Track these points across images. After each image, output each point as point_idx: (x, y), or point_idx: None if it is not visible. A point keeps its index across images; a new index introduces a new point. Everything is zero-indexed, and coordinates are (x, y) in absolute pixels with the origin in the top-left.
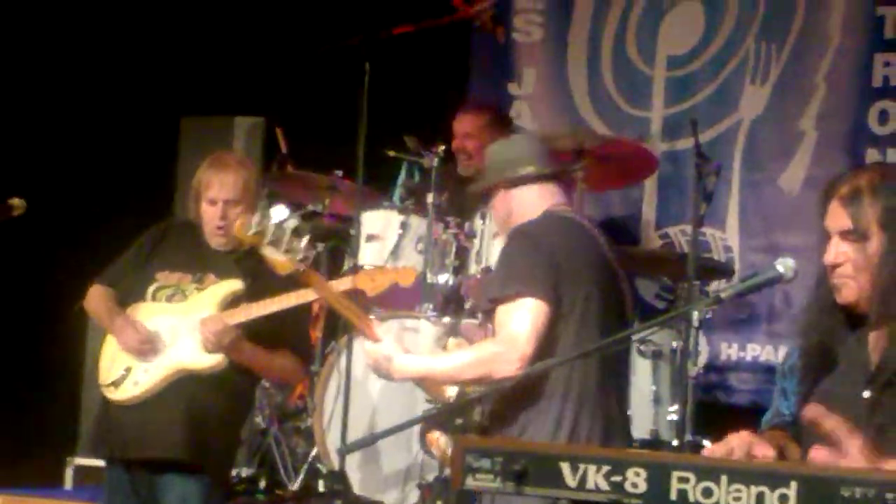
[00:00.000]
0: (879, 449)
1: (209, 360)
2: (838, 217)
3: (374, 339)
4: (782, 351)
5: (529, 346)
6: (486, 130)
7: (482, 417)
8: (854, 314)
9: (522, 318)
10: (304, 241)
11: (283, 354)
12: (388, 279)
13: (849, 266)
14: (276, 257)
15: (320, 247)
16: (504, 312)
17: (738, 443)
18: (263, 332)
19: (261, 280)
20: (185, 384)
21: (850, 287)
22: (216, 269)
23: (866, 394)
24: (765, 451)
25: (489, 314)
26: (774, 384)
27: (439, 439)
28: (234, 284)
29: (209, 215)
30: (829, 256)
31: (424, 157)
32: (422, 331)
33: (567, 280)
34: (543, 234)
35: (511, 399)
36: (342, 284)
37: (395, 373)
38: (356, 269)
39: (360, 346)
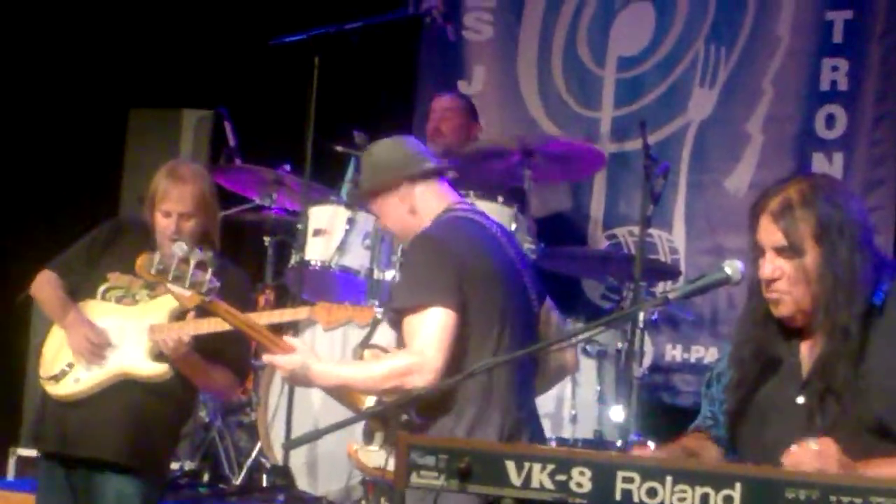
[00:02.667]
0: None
1: (154, 369)
2: (771, 233)
3: (290, 350)
4: None
5: (440, 357)
6: (462, 113)
7: (411, 416)
8: (788, 325)
9: (431, 329)
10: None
11: (221, 369)
12: (345, 316)
13: (784, 281)
14: (181, 292)
15: (267, 241)
16: (412, 323)
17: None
18: (205, 346)
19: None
20: (126, 388)
21: (787, 301)
22: None
23: (800, 400)
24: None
25: (396, 323)
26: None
27: (357, 451)
28: None
29: (162, 226)
30: (766, 272)
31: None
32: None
33: (473, 284)
34: (447, 239)
35: (431, 401)
36: (298, 314)
37: (316, 378)
38: (311, 302)
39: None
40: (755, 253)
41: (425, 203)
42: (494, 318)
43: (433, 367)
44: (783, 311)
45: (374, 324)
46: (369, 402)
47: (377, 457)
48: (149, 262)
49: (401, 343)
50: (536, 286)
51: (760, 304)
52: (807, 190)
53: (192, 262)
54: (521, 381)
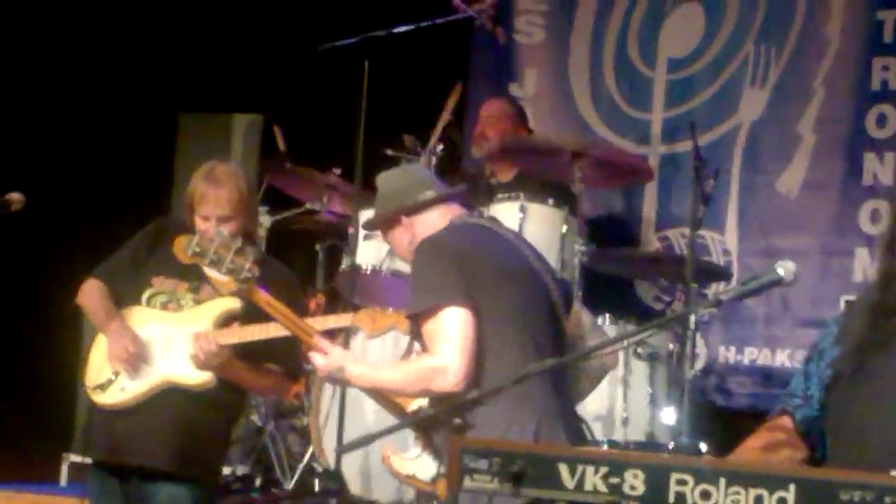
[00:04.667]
0: None
1: (198, 377)
2: None
3: (324, 352)
4: (780, 354)
5: (463, 357)
6: (509, 120)
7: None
8: None
9: (449, 330)
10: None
11: (270, 370)
12: (389, 323)
13: None
14: (218, 277)
15: (318, 245)
16: (429, 327)
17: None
18: (253, 347)
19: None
20: (172, 396)
21: None
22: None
23: None
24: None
25: (416, 333)
26: (773, 387)
27: (391, 457)
28: (232, 303)
29: (202, 230)
30: None
31: (422, 156)
32: None
33: (481, 282)
34: (449, 241)
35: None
36: (341, 321)
37: (352, 380)
38: (356, 307)
39: (356, 344)
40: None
41: (426, 231)
42: (510, 316)
43: (456, 368)
44: None
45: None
46: (414, 405)
47: (411, 465)
48: (186, 244)
49: (425, 350)
50: (563, 288)
51: (885, 283)
52: None
53: (233, 249)
54: (553, 383)
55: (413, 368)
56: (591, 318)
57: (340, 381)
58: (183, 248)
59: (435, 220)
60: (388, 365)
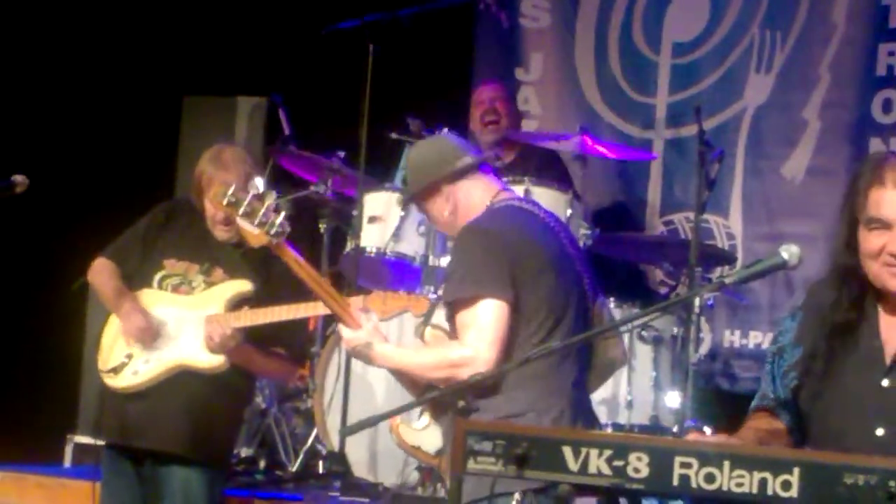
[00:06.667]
0: None
1: (211, 360)
2: None
3: (354, 325)
4: None
5: (494, 350)
6: (509, 100)
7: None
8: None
9: (484, 322)
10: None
11: (277, 354)
12: (400, 305)
13: None
14: (249, 229)
15: (322, 227)
16: (465, 316)
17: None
18: (261, 331)
19: (269, 283)
20: (184, 379)
21: None
22: (224, 264)
23: (885, 383)
24: None
25: (450, 317)
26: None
27: (399, 426)
28: (244, 286)
29: (211, 213)
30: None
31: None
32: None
33: (524, 274)
34: (495, 229)
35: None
36: (352, 303)
37: (377, 358)
38: (368, 290)
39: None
40: (872, 225)
41: (468, 200)
42: (547, 308)
43: (486, 360)
44: None
45: (432, 307)
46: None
47: (418, 435)
48: (222, 193)
49: (453, 335)
50: (591, 277)
51: (842, 280)
52: None
53: (267, 202)
54: (578, 371)
55: (441, 355)
56: (611, 316)
57: (364, 357)
58: (218, 196)
59: (478, 191)
60: (414, 347)
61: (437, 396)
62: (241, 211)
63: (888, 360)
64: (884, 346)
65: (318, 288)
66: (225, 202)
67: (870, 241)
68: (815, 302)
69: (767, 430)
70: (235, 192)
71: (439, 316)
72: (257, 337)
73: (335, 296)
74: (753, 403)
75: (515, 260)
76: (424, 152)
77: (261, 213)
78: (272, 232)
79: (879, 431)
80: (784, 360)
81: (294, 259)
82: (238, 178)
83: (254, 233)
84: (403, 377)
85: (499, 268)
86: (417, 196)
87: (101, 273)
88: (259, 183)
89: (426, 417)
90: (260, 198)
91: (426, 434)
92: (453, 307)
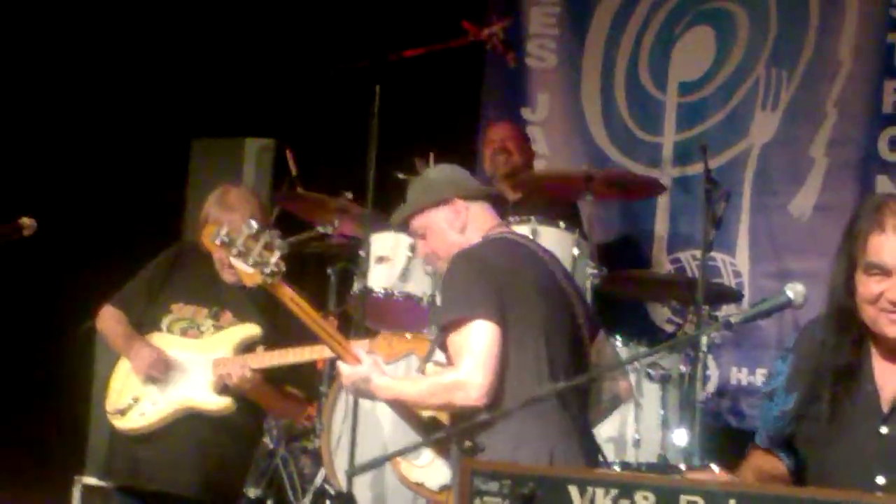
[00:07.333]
0: None
1: (218, 402)
2: None
3: (353, 361)
4: None
5: (486, 373)
6: (520, 138)
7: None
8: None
9: (476, 345)
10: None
11: (289, 392)
12: (406, 349)
13: None
14: (244, 268)
15: (330, 269)
16: (457, 339)
17: None
18: (274, 370)
19: (277, 325)
20: (193, 421)
21: None
22: (233, 307)
23: (884, 430)
24: None
25: (443, 344)
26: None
27: (401, 464)
28: (252, 329)
29: (218, 255)
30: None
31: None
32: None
33: (512, 301)
34: (485, 256)
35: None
36: (358, 346)
37: (376, 391)
38: (375, 332)
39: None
40: (872, 271)
41: (476, 222)
42: (534, 333)
43: (479, 384)
44: None
45: (433, 346)
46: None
47: (420, 472)
48: (215, 233)
49: (448, 364)
50: (588, 312)
51: (842, 323)
52: None
53: (261, 242)
54: (571, 404)
55: (436, 382)
56: (614, 351)
57: (364, 392)
58: (211, 237)
59: (483, 220)
60: (410, 378)
61: (444, 437)
62: (235, 251)
63: (885, 407)
64: (879, 391)
65: (316, 326)
66: (218, 242)
67: (868, 286)
68: (807, 345)
69: (770, 473)
70: (229, 231)
71: (441, 354)
72: (269, 375)
73: (333, 333)
74: (755, 439)
75: (503, 283)
76: (443, 170)
77: (255, 253)
78: (266, 271)
79: (880, 479)
80: (776, 404)
81: (290, 297)
82: (243, 218)
83: (248, 272)
84: (403, 410)
85: (487, 290)
86: (426, 207)
87: (109, 320)
88: (253, 223)
89: (429, 454)
90: (254, 237)
91: (429, 471)
92: (445, 331)
